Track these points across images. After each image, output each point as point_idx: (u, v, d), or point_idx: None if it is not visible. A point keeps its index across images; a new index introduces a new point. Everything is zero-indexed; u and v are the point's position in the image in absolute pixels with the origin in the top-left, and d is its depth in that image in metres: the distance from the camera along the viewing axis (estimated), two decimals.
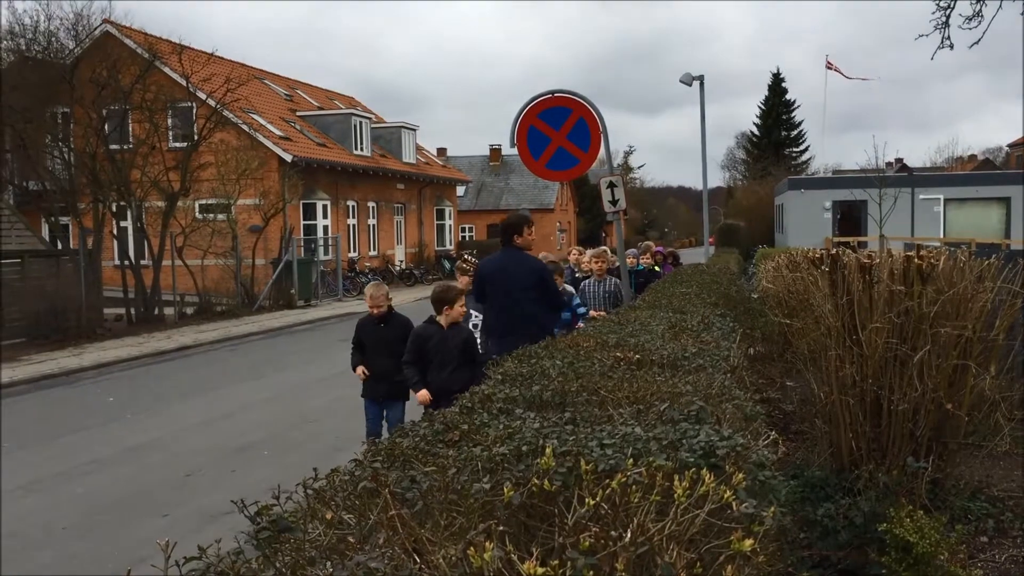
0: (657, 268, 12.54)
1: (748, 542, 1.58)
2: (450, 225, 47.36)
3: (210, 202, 26.67)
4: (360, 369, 7.53)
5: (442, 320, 6.91)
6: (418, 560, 1.53)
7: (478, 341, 7.38)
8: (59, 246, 24.42)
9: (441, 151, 60.72)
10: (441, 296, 6.91)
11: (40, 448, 9.96)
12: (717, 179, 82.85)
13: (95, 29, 25.05)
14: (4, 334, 18.38)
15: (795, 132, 71.63)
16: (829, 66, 43.76)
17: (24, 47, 22.75)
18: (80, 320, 19.68)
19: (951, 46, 10.55)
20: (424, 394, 6.80)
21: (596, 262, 9.59)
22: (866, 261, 5.51)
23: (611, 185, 8.83)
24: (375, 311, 7.53)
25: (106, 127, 22.37)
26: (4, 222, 22.93)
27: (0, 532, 6.56)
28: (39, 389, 14.37)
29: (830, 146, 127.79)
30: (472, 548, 1.44)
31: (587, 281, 9.54)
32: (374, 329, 7.58)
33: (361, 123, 37.95)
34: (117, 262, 23.72)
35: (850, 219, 34.55)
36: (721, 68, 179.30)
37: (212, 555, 1.72)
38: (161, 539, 1.79)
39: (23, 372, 15.38)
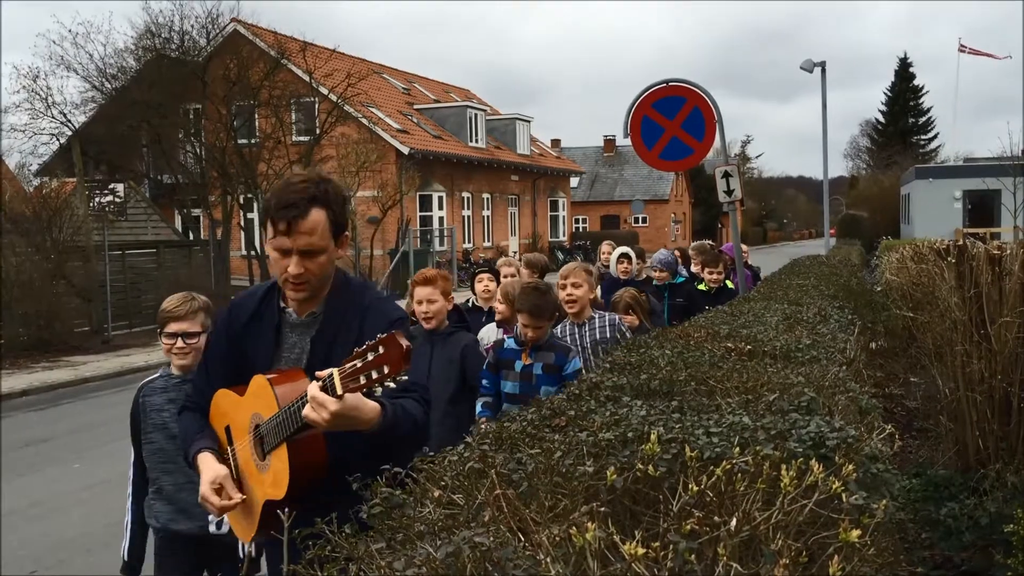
0: (729, 284, 8.45)
1: (856, 533, 1.55)
2: (563, 216, 47.41)
3: None
4: None
5: None
6: (523, 538, 1.57)
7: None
8: (191, 237, 25.62)
9: (555, 142, 60.76)
10: None
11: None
12: (840, 168, 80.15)
13: (224, 27, 26.10)
14: (134, 322, 19.39)
15: (923, 119, 68.70)
16: (962, 49, 41.73)
17: (160, 46, 23.90)
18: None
19: None
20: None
21: (569, 283, 5.11)
22: (996, 252, 5.28)
23: (726, 175, 8.68)
24: None
25: (235, 123, 23.31)
26: (141, 214, 24.17)
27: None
28: None
29: (964, 134, 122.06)
30: (575, 529, 1.47)
31: (560, 327, 5.13)
32: None
33: (476, 115, 38.35)
34: (244, 252, 24.72)
35: (982, 209, 32.90)
36: (860, 52, 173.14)
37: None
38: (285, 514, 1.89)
39: (157, 357, 16.21)
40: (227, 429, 2.82)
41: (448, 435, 3.94)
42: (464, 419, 4.49)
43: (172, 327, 3.67)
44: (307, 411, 2.32)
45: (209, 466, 2.70)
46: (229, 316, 2.93)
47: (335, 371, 2.29)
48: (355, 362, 2.26)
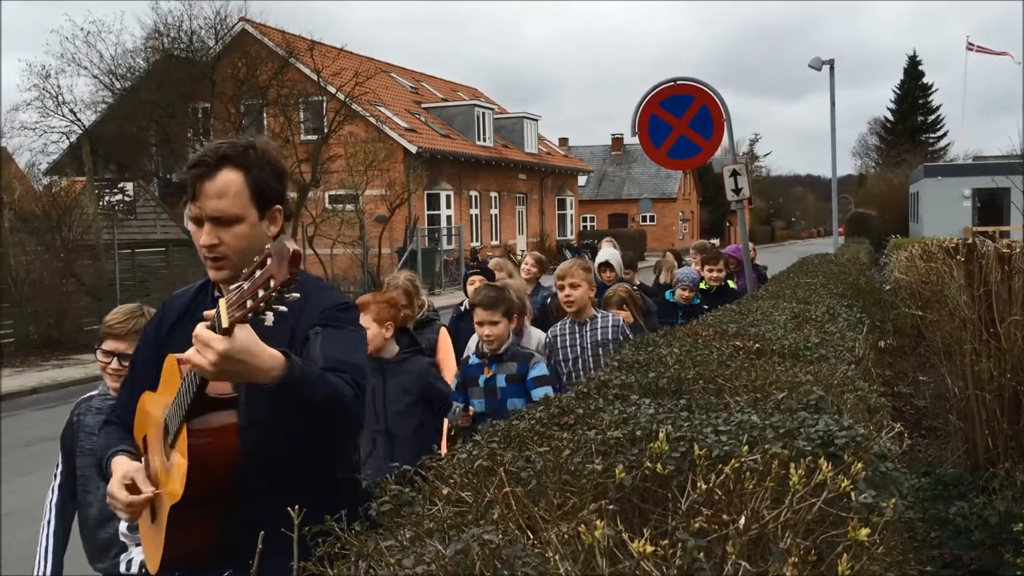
0: (731, 284, 8.27)
1: (864, 531, 1.55)
2: (571, 215, 47.41)
3: (339, 193, 27.53)
4: None
5: None
6: (531, 536, 1.58)
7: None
8: None
9: (563, 141, 60.71)
10: None
11: None
12: (848, 167, 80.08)
13: (233, 27, 26.18)
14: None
15: (932, 117, 68.52)
16: (970, 47, 41.58)
17: (168, 45, 23.99)
18: None
19: None
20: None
21: (567, 284, 4.94)
22: (1005, 251, 5.27)
23: (734, 173, 8.67)
24: None
25: (243, 122, 23.38)
26: (150, 213, 24.25)
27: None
28: None
29: (973, 132, 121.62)
30: (584, 526, 1.47)
31: (560, 324, 5.07)
32: None
33: (484, 114, 38.36)
34: None
35: (992, 208, 32.82)
36: (869, 50, 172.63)
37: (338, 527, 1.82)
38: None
39: None
40: (144, 438, 2.31)
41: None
42: (434, 442, 4.21)
43: (109, 344, 3.21)
44: (190, 353, 1.92)
45: (121, 465, 2.27)
46: (161, 313, 2.54)
47: (221, 302, 1.88)
48: (241, 284, 1.84)
